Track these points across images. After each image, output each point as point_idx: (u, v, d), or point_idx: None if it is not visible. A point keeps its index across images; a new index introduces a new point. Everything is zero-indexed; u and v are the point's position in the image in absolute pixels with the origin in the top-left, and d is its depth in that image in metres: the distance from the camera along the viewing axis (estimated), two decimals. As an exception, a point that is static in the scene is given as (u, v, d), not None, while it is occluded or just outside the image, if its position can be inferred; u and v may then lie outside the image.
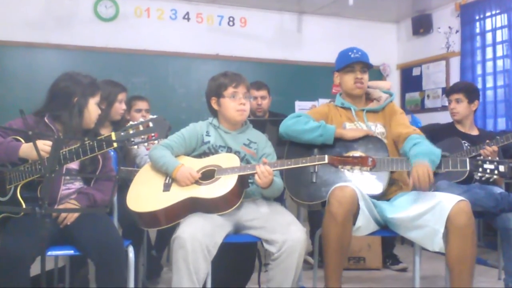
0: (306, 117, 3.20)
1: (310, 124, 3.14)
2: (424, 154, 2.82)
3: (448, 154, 3.86)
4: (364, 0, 6.21)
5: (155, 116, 2.64)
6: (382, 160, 2.93)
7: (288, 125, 3.20)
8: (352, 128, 3.17)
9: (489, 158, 2.90)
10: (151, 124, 2.58)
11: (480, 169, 2.81)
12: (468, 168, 2.81)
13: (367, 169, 2.85)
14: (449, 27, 6.46)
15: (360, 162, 2.80)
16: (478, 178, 2.85)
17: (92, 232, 2.62)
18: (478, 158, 2.89)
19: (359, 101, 3.27)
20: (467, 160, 2.81)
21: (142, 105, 4.28)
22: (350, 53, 3.23)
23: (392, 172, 3.02)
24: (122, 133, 2.58)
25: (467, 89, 4.22)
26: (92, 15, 5.98)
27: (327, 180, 3.04)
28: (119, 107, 3.73)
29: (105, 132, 3.22)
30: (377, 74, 7.08)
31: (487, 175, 2.80)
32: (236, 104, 3.01)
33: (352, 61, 3.19)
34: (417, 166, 2.76)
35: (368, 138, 3.09)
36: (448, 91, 4.39)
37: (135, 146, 2.62)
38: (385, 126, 3.19)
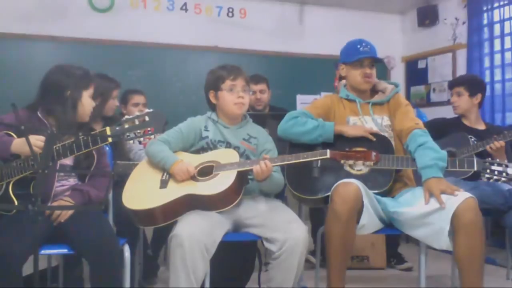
0: (303, 116, 3.19)
1: (308, 125, 3.12)
2: (432, 165, 2.83)
3: (454, 149, 3.87)
4: (368, -10, 6.21)
5: (151, 110, 2.63)
6: (387, 157, 2.93)
7: (285, 128, 3.19)
8: (353, 126, 3.15)
9: (497, 160, 2.90)
10: (147, 118, 2.57)
11: (488, 171, 2.82)
12: (475, 169, 2.82)
13: (371, 164, 2.84)
14: (456, 18, 6.44)
15: (363, 156, 2.79)
16: (485, 180, 2.86)
17: (87, 230, 2.62)
18: (486, 160, 2.90)
19: (364, 94, 3.26)
20: (475, 160, 2.82)
21: (139, 99, 4.30)
22: (359, 46, 3.20)
23: (397, 170, 3.01)
24: (117, 128, 2.57)
25: (468, 82, 4.21)
26: (86, 6, 5.95)
27: (330, 175, 3.03)
28: (113, 103, 3.77)
29: (96, 128, 3.21)
30: (381, 67, 7.06)
31: (495, 177, 2.81)
32: (234, 97, 3.00)
33: (362, 56, 3.18)
34: (430, 185, 2.79)
35: (373, 135, 3.07)
36: (450, 84, 4.39)
37: (131, 141, 2.62)
38: (391, 119, 3.19)
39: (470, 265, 2.69)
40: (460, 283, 2.74)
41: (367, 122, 3.17)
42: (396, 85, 3.29)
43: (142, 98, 4.32)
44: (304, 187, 3.07)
